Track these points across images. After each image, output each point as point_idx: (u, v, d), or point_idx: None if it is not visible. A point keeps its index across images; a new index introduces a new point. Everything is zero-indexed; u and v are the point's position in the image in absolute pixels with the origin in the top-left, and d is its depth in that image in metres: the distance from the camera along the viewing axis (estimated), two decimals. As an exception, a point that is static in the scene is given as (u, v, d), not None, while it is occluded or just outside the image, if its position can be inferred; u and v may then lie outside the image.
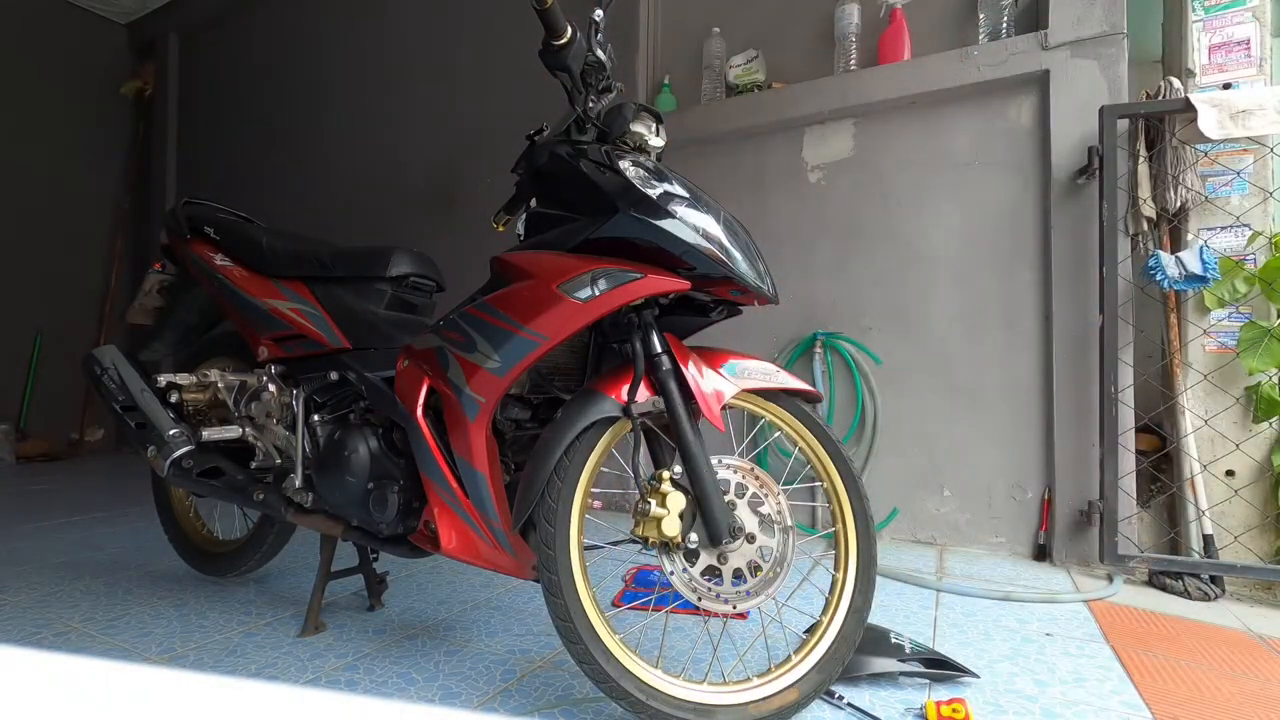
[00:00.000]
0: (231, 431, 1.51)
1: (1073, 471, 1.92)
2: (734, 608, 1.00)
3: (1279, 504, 1.72)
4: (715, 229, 0.99)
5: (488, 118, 3.09)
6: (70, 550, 2.06)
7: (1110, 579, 1.76)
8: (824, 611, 1.05)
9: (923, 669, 1.17)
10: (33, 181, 4.22)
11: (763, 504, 1.02)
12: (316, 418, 1.37)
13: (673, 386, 1.00)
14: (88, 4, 4.46)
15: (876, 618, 1.49)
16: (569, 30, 1.02)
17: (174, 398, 1.56)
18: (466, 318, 1.11)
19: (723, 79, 2.58)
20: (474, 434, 1.08)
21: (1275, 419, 1.72)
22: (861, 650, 1.15)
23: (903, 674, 1.18)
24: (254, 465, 1.52)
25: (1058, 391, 1.95)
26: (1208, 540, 1.73)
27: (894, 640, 1.22)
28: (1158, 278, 1.75)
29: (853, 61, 2.31)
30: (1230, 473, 1.79)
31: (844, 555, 1.05)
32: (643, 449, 1.00)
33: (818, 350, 2.28)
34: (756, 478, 1.03)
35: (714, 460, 1.01)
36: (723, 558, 1.00)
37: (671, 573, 1.00)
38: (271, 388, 1.43)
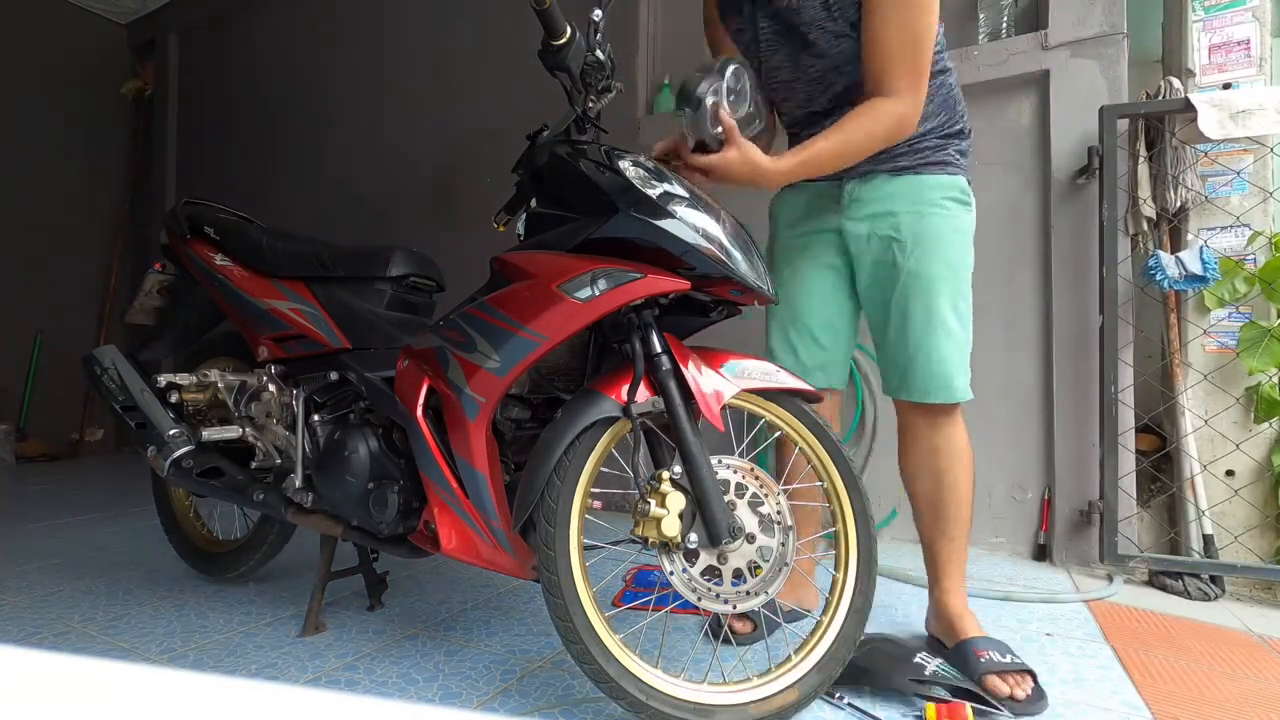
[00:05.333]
0: (231, 431, 1.51)
1: (1073, 471, 1.92)
2: (734, 608, 1.00)
3: (1279, 504, 1.72)
4: (715, 229, 0.99)
5: (488, 118, 3.09)
6: (70, 550, 2.06)
7: (1110, 579, 1.76)
8: (824, 611, 1.05)
9: (945, 696, 1.09)
10: (32, 181, 4.21)
11: (762, 504, 1.02)
12: (316, 418, 1.37)
13: (672, 386, 1.00)
14: (88, 4, 4.46)
15: (876, 618, 1.49)
16: (568, 30, 1.02)
17: (174, 398, 1.56)
18: (466, 317, 1.11)
19: (723, 79, 2.57)
20: (474, 434, 1.08)
21: (1275, 419, 1.72)
22: (883, 667, 1.14)
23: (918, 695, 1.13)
24: (254, 465, 1.52)
25: (1058, 391, 1.95)
26: (1208, 540, 1.73)
27: (917, 660, 1.15)
28: (1158, 278, 1.75)
29: (853, 61, 2.31)
30: (1230, 473, 1.79)
31: (844, 555, 1.05)
32: (643, 449, 1.00)
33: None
34: (756, 478, 1.03)
35: (714, 460, 1.01)
36: (722, 558, 1.00)
37: (671, 573, 1.00)
38: (271, 388, 1.43)
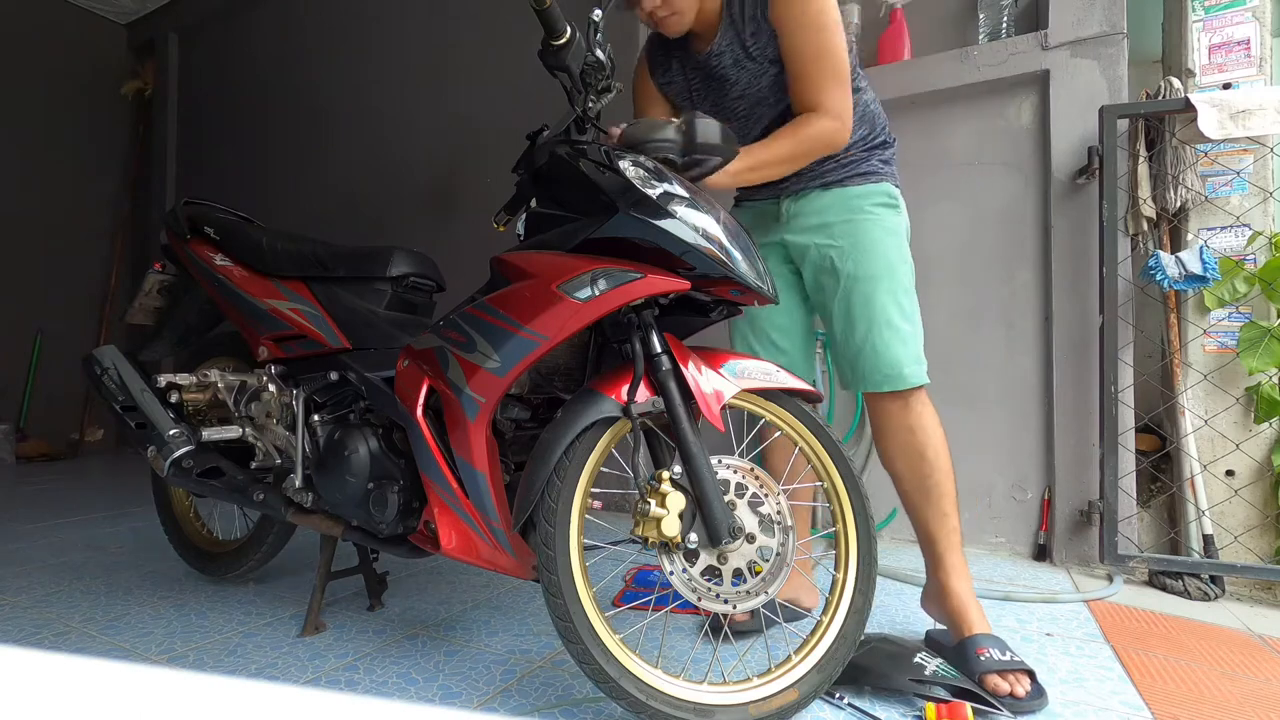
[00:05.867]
0: (231, 431, 1.51)
1: (1073, 471, 1.92)
2: (734, 608, 1.00)
3: (1279, 504, 1.72)
4: (715, 229, 0.99)
5: (488, 118, 3.09)
6: (70, 550, 2.06)
7: (1110, 579, 1.76)
8: (824, 611, 1.05)
9: (945, 696, 1.09)
10: (32, 182, 4.22)
11: (762, 504, 1.02)
12: (316, 418, 1.37)
13: (673, 386, 1.00)
14: (88, 4, 4.46)
15: (876, 618, 1.49)
16: (568, 30, 1.02)
17: (174, 398, 1.56)
18: (466, 318, 1.11)
19: (723, 79, 2.57)
20: (474, 434, 1.08)
21: (1275, 419, 1.72)
22: (883, 667, 1.14)
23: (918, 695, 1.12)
24: (254, 465, 1.52)
25: (1058, 391, 1.95)
26: (1208, 540, 1.73)
27: (917, 660, 1.15)
28: (1158, 278, 1.75)
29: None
30: (1230, 473, 1.79)
31: (844, 555, 1.05)
32: (643, 449, 1.00)
33: (818, 350, 2.28)
34: (756, 478, 1.03)
35: (714, 460, 1.01)
36: (722, 558, 1.00)
37: (671, 573, 1.00)
38: (271, 388, 1.43)
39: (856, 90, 1.30)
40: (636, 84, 1.47)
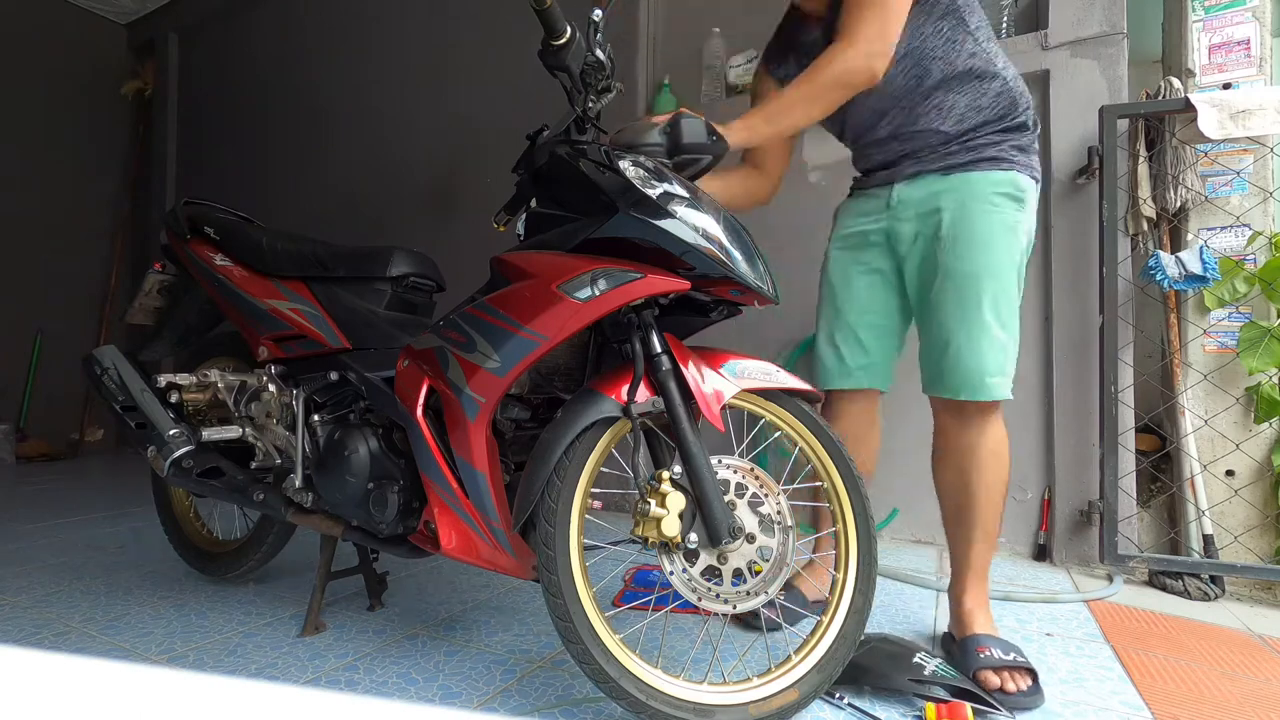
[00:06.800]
0: (231, 431, 1.51)
1: (1073, 471, 1.92)
2: (734, 608, 1.00)
3: (1279, 504, 1.72)
4: (715, 229, 0.99)
5: (488, 118, 3.09)
6: (70, 550, 2.06)
7: (1110, 579, 1.76)
8: (824, 611, 1.05)
9: (944, 696, 1.09)
10: (32, 182, 4.22)
11: (763, 504, 1.02)
12: (316, 418, 1.37)
13: (673, 386, 1.00)
14: (88, 4, 4.46)
15: (876, 618, 1.49)
16: (568, 30, 1.02)
17: (174, 398, 1.56)
18: (466, 318, 1.11)
19: (723, 79, 2.57)
20: (474, 434, 1.08)
21: (1275, 419, 1.72)
22: (883, 667, 1.14)
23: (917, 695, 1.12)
24: (254, 465, 1.52)
25: (1058, 391, 1.95)
26: (1208, 540, 1.73)
27: (916, 660, 1.15)
28: (1158, 278, 1.75)
29: (853, 61, 2.31)
30: (1230, 473, 1.79)
31: (844, 555, 1.05)
32: (643, 449, 1.00)
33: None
34: (756, 478, 1.03)
35: (714, 460, 1.01)
36: (722, 558, 1.00)
37: (671, 573, 1.00)
38: (271, 388, 1.43)
39: (994, 75, 1.19)
40: (754, 86, 1.44)
